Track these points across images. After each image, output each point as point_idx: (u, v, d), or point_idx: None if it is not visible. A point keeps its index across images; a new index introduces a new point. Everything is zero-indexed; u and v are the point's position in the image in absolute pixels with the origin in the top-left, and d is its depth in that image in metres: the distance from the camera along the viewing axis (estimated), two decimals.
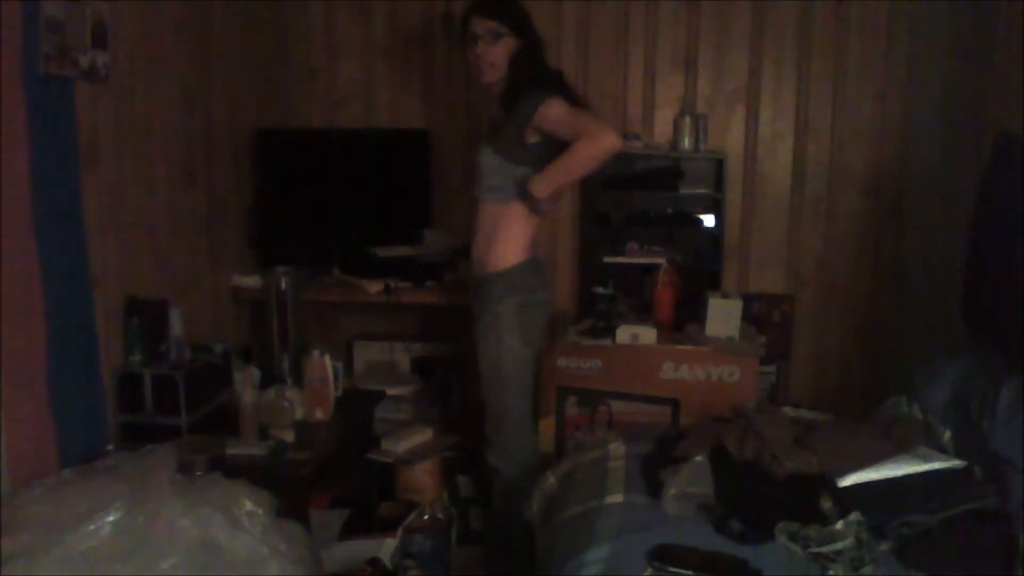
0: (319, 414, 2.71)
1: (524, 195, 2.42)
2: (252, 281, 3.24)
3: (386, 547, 2.52)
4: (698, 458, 1.99)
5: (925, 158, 3.33)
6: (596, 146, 2.32)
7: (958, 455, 2.03)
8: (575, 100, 2.45)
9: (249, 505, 1.96)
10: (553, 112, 2.36)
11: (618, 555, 1.70)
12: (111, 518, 1.77)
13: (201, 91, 2.98)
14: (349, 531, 2.69)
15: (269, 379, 2.76)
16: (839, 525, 1.72)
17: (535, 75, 2.46)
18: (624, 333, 3.01)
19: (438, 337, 3.55)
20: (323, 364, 2.73)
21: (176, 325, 2.59)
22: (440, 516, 2.68)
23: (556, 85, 2.45)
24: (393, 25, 3.56)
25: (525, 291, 2.50)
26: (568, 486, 2.18)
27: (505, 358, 2.49)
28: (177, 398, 2.45)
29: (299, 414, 2.66)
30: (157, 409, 2.46)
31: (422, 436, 2.97)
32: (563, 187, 2.48)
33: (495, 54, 2.45)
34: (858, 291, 3.51)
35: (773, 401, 3.30)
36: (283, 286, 2.98)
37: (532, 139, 2.42)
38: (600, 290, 3.11)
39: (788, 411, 2.43)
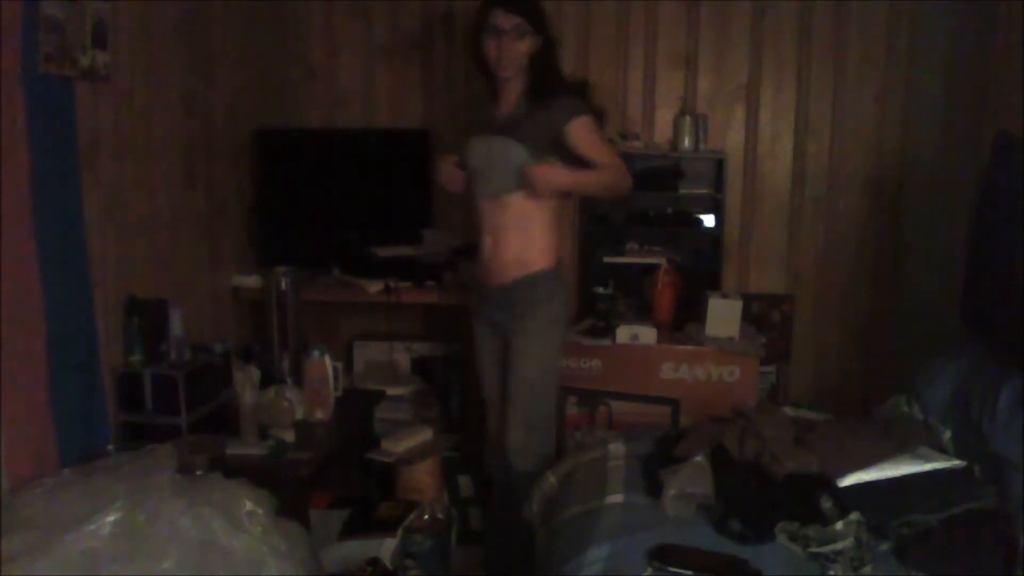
0: (319, 414, 2.72)
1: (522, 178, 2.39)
2: (252, 281, 3.24)
3: (386, 547, 2.52)
4: (698, 458, 1.99)
5: (925, 158, 3.33)
6: (618, 184, 2.43)
7: (958, 455, 2.03)
8: (599, 116, 2.49)
9: (249, 505, 1.96)
10: (584, 131, 2.39)
11: (618, 555, 1.70)
12: (111, 518, 1.78)
13: (201, 91, 2.98)
14: (349, 531, 2.69)
15: (269, 379, 2.76)
16: (839, 525, 1.72)
17: (560, 78, 2.46)
18: (624, 333, 3.01)
19: (438, 337, 3.54)
20: (323, 364, 2.74)
21: (176, 325, 2.59)
22: (440, 516, 2.68)
23: (585, 98, 2.45)
24: (393, 25, 3.56)
25: (566, 289, 2.52)
26: (568, 486, 2.18)
27: (551, 366, 2.50)
28: (177, 398, 2.46)
29: (299, 414, 2.66)
30: (157, 409, 2.46)
31: (422, 436, 2.97)
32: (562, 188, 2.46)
33: (519, 50, 2.40)
34: (858, 291, 3.51)
35: (773, 401, 3.30)
36: (283, 286, 2.98)
37: (552, 144, 2.41)
38: (600, 290, 3.11)
39: (788, 411, 2.42)
